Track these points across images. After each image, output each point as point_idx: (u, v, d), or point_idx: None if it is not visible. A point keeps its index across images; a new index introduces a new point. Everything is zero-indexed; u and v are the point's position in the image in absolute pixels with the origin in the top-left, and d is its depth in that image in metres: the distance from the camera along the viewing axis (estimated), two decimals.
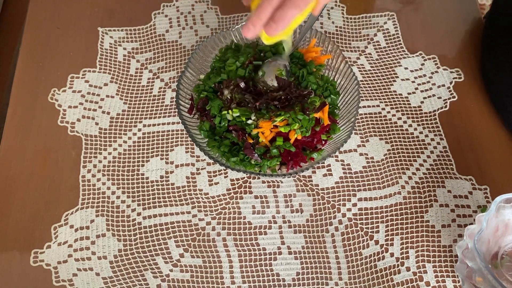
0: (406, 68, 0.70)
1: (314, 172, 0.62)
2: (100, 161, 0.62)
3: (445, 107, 0.67)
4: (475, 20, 0.75)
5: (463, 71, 0.70)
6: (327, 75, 0.65)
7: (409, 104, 0.67)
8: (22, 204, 0.59)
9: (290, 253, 0.57)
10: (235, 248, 0.57)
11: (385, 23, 0.74)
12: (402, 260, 0.56)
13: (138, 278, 0.55)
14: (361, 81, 0.68)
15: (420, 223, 0.59)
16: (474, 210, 0.60)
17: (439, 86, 0.68)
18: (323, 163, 0.62)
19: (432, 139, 0.64)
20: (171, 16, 0.74)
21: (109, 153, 0.63)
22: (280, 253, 0.57)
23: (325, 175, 0.62)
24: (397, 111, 0.66)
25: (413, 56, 0.71)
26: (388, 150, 0.63)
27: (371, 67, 0.70)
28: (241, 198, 0.60)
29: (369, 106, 0.67)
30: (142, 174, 0.61)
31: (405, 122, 0.66)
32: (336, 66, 0.64)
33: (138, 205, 0.59)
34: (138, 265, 0.56)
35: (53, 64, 0.69)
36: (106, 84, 0.68)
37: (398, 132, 0.65)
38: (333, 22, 0.74)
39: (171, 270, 0.56)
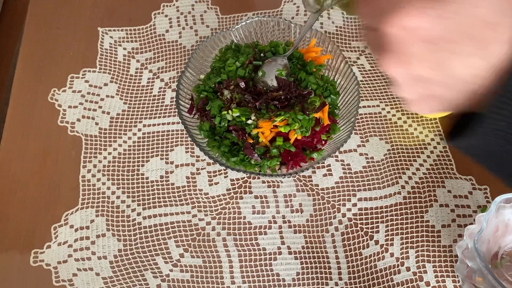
0: None
1: (314, 172, 0.62)
2: (100, 161, 0.62)
3: None
4: None
5: None
6: (327, 75, 0.65)
7: None
8: (22, 204, 0.59)
9: (290, 253, 0.57)
10: (235, 248, 0.57)
11: None
12: (402, 260, 0.56)
13: (138, 278, 0.55)
14: (361, 81, 0.68)
15: (420, 223, 0.59)
16: (474, 210, 0.60)
17: None
18: (323, 163, 0.62)
19: (432, 139, 0.64)
20: (171, 16, 0.74)
21: (109, 153, 0.63)
22: (280, 253, 0.57)
23: (325, 175, 0.62)
24: (397, 111, 0.66)
25: None
26: (388, 150, 0.63)
27: (371, 67, 0.70)
28: (241, 198, 0.60)
29: (369, 106, 0.67)
30: (142, 174, 0.61)
31: (405, 122, 0.66)
32: (336, 66, 0.64)
33: (138, 205, 0.59)
34: (138, 265, 0.56)
35: (53, 64, 0.69)
36: (106, 84, 0.68)
37: (398, 132, 0.65)
38: (333, 22, 0.74)
39: (171, 270, 0.56)
